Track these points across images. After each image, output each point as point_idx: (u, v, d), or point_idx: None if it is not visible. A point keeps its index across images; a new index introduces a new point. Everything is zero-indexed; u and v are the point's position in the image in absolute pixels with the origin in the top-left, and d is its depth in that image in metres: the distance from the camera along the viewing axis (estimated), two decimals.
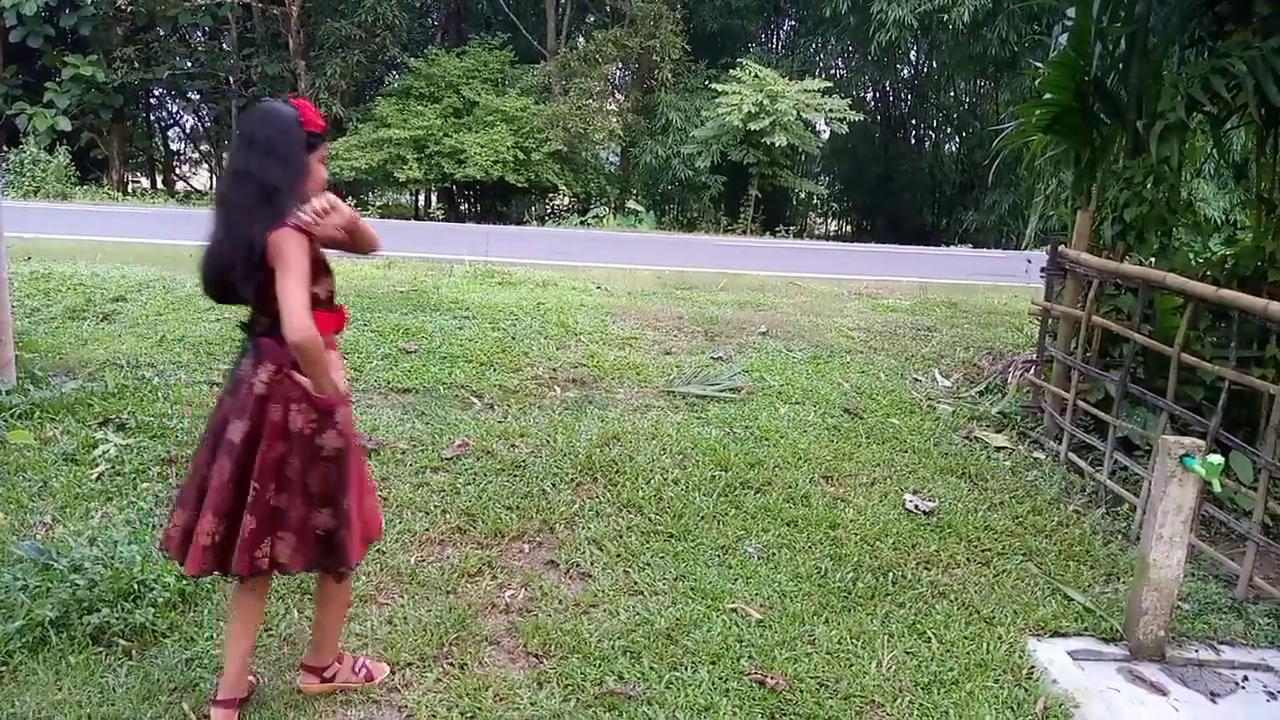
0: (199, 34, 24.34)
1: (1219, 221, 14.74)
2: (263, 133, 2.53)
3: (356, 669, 2.92)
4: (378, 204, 23.94)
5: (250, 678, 2.82)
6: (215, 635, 3.11)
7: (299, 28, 21.17)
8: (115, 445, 4.36)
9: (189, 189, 26.65)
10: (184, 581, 3.29)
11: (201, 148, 29.20)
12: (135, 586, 3.20)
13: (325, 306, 2.60)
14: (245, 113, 2.72)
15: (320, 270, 2.57)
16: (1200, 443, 3.34)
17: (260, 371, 2.53)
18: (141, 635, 3.07)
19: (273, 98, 2.69)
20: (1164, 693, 3.24)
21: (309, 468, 2.56)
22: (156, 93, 25.45)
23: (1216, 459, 3.30)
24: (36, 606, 3.05)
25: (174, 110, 27.83)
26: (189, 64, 23.04)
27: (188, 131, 29.26)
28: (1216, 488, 3.51)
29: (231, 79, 23.09)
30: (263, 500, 2.52)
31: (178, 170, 29.40)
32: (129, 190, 22.72)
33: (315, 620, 2.92)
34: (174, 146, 29.75)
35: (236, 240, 2.46)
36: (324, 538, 2.61)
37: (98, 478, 4.11)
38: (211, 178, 28.46)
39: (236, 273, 2.48)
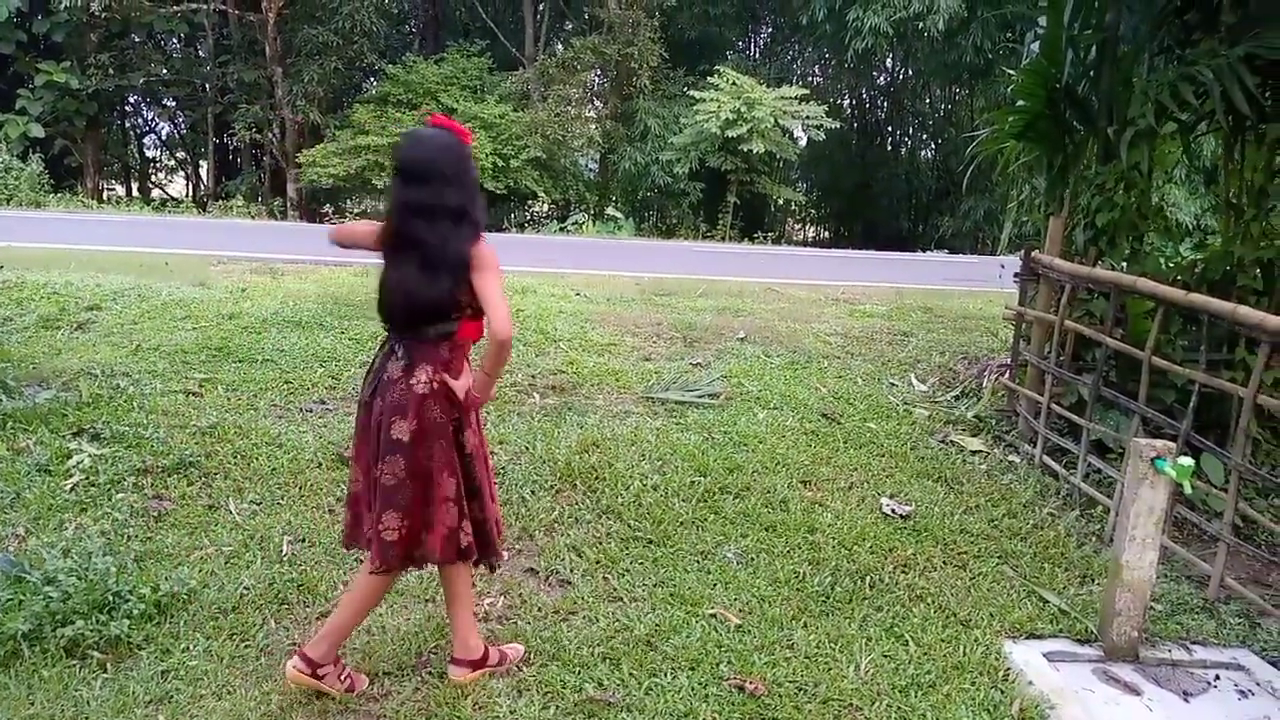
0: (175, 41, 24.12)
1: (1190, 226, 14.96)
2: (437, 163, 2.69)
3: (342, 678, 2.91)
4: (356, 211, 23.82)
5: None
6: (190, 646, 3.09)
7: (276, 34, 21.03)
8: (89, 455, 4.32)
9: (165, 196, 26.39)
10: (159, 593, 3.27)
11: (177, 155, 28.97)
12: (110, 598, 3.18)
13: (475, 316, 2.78)
14: (404, 146, 2.77)
15: None
16: (1171, 445, 3.38)
17: (419, 373, 2.70)
18: (116, 647, 3.05)
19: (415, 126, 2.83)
20: (1138, 693, 3.28)
21: (458, 464, 2.78)
22: (132, 100, 25.18)
23: (1187, 461, 3.34)
24: (9, 620, 3.02)
25: (149, 117, 27.58)
26: (164, 71, 22.75)
27: (163, 139, 28.99)
28: (1188, 490, 3.56)
29: (208, 86, 22.88)
30: (440, 494, 2.75)
31: (153, 178, 29.13)
32: (104, 198, 22.42)
33: (335, 614, 2.92)
34: (149, 154, 29.46)
35: (440, 271, 2.65)
36: (477, 529, 2.85)
37: (72, 488, 4.07)
38: (188, 185, 28.24)
39: (445, 300, 2.68)
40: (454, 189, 2.67)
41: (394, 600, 3.44)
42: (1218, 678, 3.43)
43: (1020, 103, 6.11)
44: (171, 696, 2.86)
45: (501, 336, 2.62)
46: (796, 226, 32.37)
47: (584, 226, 20.36)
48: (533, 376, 6.09)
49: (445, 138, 2.73)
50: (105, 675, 2.94)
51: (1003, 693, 3.15)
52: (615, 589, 3.65)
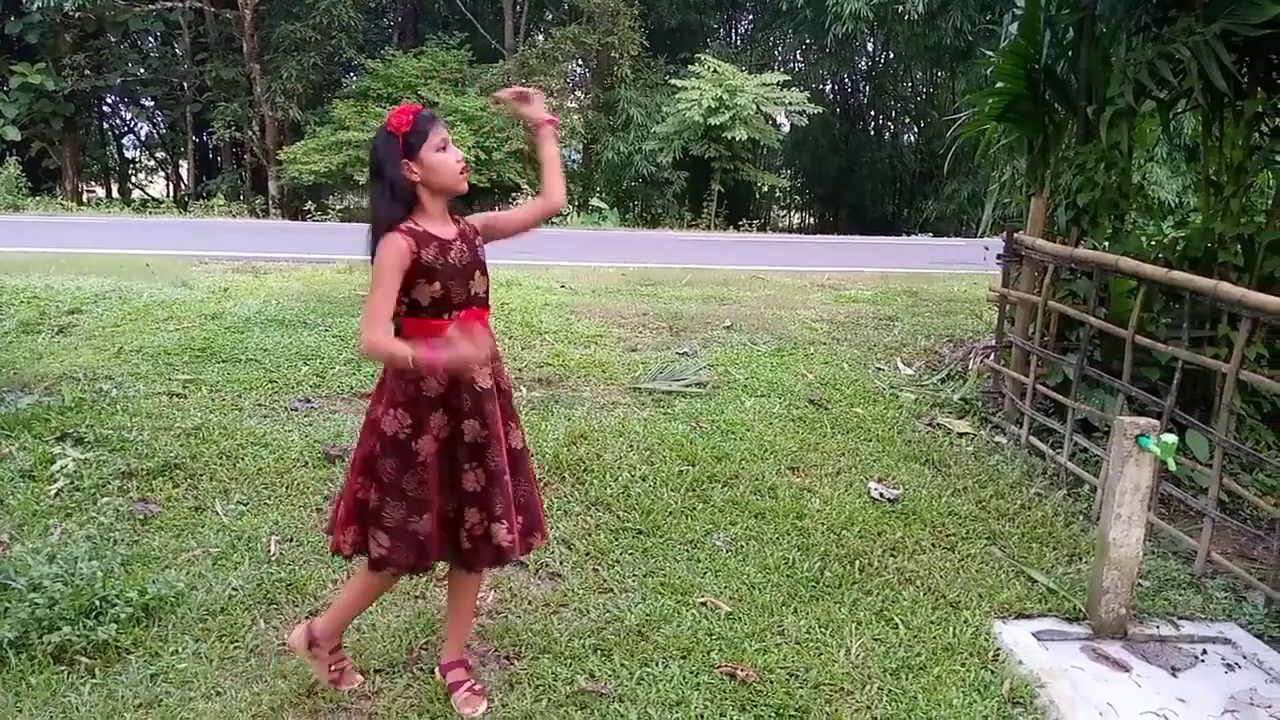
0: (151, 39, 23.96)
1: (1173, 204, 15.02)
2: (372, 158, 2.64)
3: (332, 667, 2.89)
4: (338, 208, 23.70)
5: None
6: (179, 649, 3.08)
7: (253, 31, 20.89)
8: (74, 460, 4.28)
9: (145, 197, 26.20)
10: (147, 596, 3.25)
11: (157, 155, 28.75)
12: (97, 603, 3.15)
13: (429, 314, 2.61)
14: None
15: (424, 276, 2.56)
16: (1155, 422, 3.40)
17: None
18: (104, 653, 3.03)
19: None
20: (1126, 669, 3.30)
21: (403, 472, 2.60)
22: (109, 100, 25.02)
23: (1171, 438, 3.36)
24: None
25: (128, 118, 27.38)
26: (142, 70, 22.63)
27: (143, 139, 28.78)
28: (1172, 466, 3.58)
29: (185, 84, 22.71)
30: (352, 490, 2.69)
31: (133, 178, 28.92)
32: (84, 200, 22.30)
33: (340, 596, 2.93)
34: (129, 154, 29.24)
35: None
36: (452, 536, 2.70)
37: (56, 494, 4.04)
38: (168, 185, 28.04)
39: None
40: (375, 184, 2.63)
41: (384, 598, 3.42)
42: (1205, 652, 3.45)
43: (1000, 84, 6.11)
44: (161, 700, 2.84)
45: (359, 345, 2.57)
46: (781, 213, 32.40)
47: (568, 218, 20.32)
48: (519, 370, 6.08)
49: (378, 136, 2.65)
50: (94, 680, 2.91)
51: (993, 673, 3.17)
52: (605, 580, 3.65)
